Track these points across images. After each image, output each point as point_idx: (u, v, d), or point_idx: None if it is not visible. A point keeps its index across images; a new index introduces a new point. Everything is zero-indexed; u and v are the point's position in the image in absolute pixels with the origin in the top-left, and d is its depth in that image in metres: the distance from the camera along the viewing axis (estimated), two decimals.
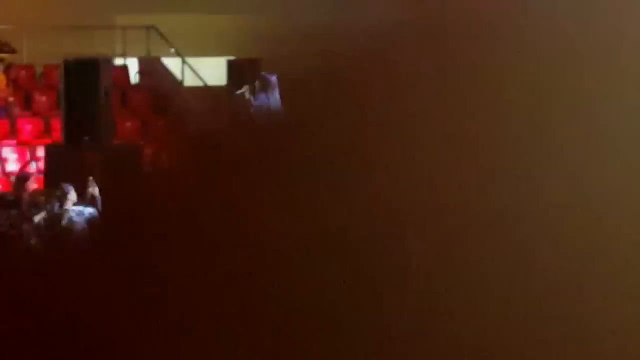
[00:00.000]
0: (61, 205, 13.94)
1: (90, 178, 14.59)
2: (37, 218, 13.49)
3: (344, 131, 5.24)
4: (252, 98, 15.27)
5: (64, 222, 13.96)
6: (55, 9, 21.34)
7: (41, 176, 17.33)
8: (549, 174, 5.11)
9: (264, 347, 4.93)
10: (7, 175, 16.42)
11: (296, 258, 5.01)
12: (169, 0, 22.67)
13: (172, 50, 22.16)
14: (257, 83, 15.31)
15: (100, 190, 14.36)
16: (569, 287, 5.25)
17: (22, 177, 14.54)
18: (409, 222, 5.02)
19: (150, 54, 22.42)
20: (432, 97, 5.30)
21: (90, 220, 14.17)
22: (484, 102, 5.30)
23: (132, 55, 22.62)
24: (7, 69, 20.63)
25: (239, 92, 15.45)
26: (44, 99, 20.83)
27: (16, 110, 20.03)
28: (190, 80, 22.40)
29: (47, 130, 20.02)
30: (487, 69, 5.39)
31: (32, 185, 14.51)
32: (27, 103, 20.79)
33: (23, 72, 21.30)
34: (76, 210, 13.93)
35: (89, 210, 14.00)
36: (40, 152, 18.36)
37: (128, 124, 20.64)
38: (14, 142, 19.62)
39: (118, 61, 22.04)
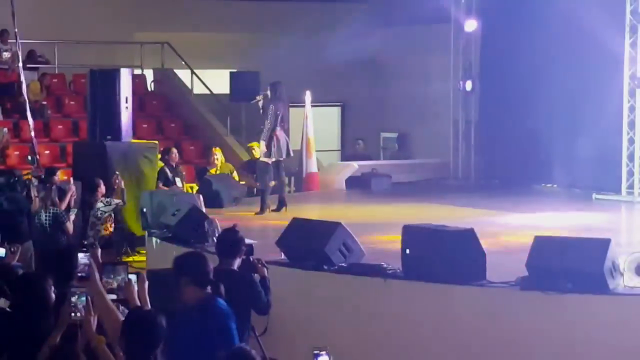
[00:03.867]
0: (93, 196, 14.05)
1: (117, 173, 14.78)
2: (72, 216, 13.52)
3: None
4: (264, 106, 14.98)
5: (94, 212, 14.08)
6: (83, 26, 21.44)
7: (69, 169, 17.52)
8: None
9: None
10: (41, 167, 16.28)
11: None
12: (180, 21, 22.81)
13: (183, 63, 22.43)
14: (268, 92, 15.01)
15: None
16: None
17: (51, 170, 14.23)
18: None
19: (164, 65, 22.70)
20: None
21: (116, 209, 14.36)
22: None
23: (149, 67, 22.90)
24: (42, 77, 20.86)
25: (253, 101, 15.21)
26: (73, 103, 21.04)
27: (49, 113, 20.18)
28: (198, 89, 22.71)
29: (76, 129, 20.19)
30: None
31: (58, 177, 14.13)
32: (58, 106, 20.96)
33: (55, 80, 21.46)
34: (104, 200, 14.09)
35: (116, 201, 14.31)
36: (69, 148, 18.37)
37: (145, 125, 20.93)
38: (47, 139, 19.69)
39: (137, 71, 22.01)
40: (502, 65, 18.83)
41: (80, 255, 6.50)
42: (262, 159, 15.26)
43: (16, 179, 13.43)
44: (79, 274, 6.32)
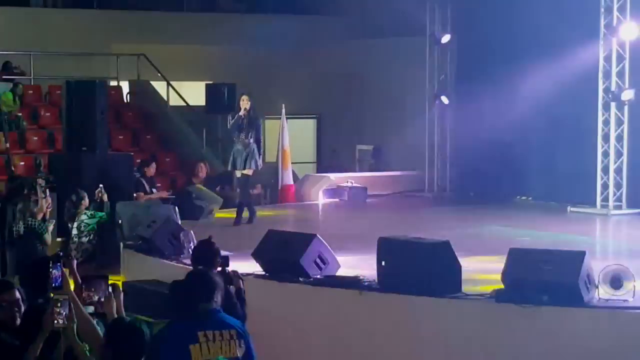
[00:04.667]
0: (76, 208, 13.78)
1: (101, 186, 14.52)
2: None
3: None
4: (251, 117, 14.88)
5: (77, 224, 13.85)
6: (59, 37, 21.43)
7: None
8: None
9: None
10: (17, 176, 16.14)
11: None
12: (156, 33, 22.83)
13: (159, 74, 22.41)
14: (242, 114, 14.87)
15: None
16: None
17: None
18: None
19: (140, 77, 22.66)
20: None
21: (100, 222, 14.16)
22: None
23: (125, 79, 22.86)
24: (15, 87, 20.55)
25: (230, 125, 15.06)
26: (48, 114, 20.94)
27: (24, 124, 20.01)
28: (174, 101, 22.66)
29: (51, 141, 20.10)
30: None
31: None
32: (34, 118, 20.86)
33: (31, 92, 21.35)
34: (88, 213, 13.71)
35: (100, 214, 14.02)
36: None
37: (121, 136, 20.89)
38: (22, 151, 19.60)
39: (113, 83, 22.20)
40: (478, 77, 18.87)
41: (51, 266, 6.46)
42: (245, 171, 15.20)
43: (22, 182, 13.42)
44: (52, 284, 6.29)
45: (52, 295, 6.19)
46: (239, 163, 15.06)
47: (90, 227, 13.80)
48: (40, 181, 13.46)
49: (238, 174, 15.36)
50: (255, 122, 15.08)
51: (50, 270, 6.29)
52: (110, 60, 22.61)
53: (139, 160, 17.72)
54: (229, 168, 15.58)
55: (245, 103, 14.99)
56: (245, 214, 15.25)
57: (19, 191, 13.15)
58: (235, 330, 6.25)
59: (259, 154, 15.24)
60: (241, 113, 14.97)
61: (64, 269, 6.48)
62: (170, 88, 22.38)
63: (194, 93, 22.62)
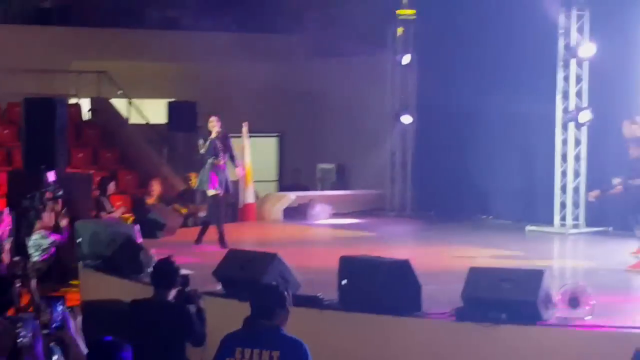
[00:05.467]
0: (32, 227, 13.50)
1: (63, 211, 14.31)
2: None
3: None
4: (223, 137, 14.91)
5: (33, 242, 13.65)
6: (18, 54, 21.29)
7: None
8: None
9: None
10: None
11: None
12: (117, 49, 22.74)
13: (120, 92, 22.32)
14: (215, 136, 14.83)
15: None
16: None
17: None
18: None
19: (100, 94, 22.59)
20: None
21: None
22: None
23: (85, 96, 22.79)
24: None
25: (203, 149, 14.90)
26: (6, 131, 20.85)
27: None
28: (134, 119, 22.58)
29: (10, 159, 19.98)
30: None
31: None
32: None
33: None
34: (43, 232, 13.46)
35: (56, 237, 13.52)
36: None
37: (80, 154, 20.81)
38: None
39: (72, 100, 22.08)
40: (439, 97, 18.99)
41: (59, 306, 6.25)
42: (214, 192, 15.16)
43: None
44: (53, 325, 6.17)
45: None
46: (219, 183, 15.01)
47: (43, 246, 13.71)
48: (47, 194, 13.40)
49: (209, 193, 15.24)
50: (227, 142, 15.10)
51: (49, 309, 6.16)
52: (70, 78, 22.51)
53: (98, 179, 17.64)
54: (199, 187, 15.45)
55: (215, 125, 14.97)
56: (215, 236, 15.08)
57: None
58: (278, 352, 6.16)
59: (236, 166, 15.32)
60: (213, 136, 14.96)
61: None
62: (131, 106, 22.29)
63: (155, 111, 22.56)
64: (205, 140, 14.95)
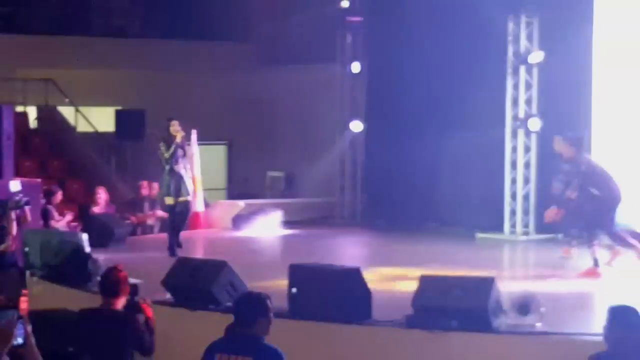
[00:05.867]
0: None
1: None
2: None
3: None
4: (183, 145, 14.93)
5: None
6: None
7: None
8: None
9: None
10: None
11: None
12: (64, 57, 22.57)
13: (67, 100, 22.14)
14: (179, 141, 14.80)
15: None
16: None
17: None
18: None
19: (47, 103, 22.41)
20: None
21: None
22: None
23: (32, 104, 22.60)
24: None
25: (168, 154, 14.77)
26: None
27: None
28: (82, 127, 22.41)
29: None
30: None
31: None
32: None
33: None
34: None
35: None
36: None
37: (27, 163, 20.59)
38: None
39: (19, 108, 21.81)
40: (388, 105, 19.06)
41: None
42: (186, 198, 15.08)
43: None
44: (14, 343, 6.00)
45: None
46: (173, 191, 14.89)
47: None
48: (11, 204, 13.23)
49: (171, 200, 15.08)
50: (185, 148, 15.05)
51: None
52: (16, 86, 22.27)
53: (45, 187, 17.45)
54: (165, 196, 15.25)
55: (179, 129, 14.86)
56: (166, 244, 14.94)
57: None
58: (250, 358, 6.26)
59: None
60: (178, 140, 14.86)
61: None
62: (78, 114, 22.11)
63: (102, 119, 22.41)
64: (169, 145, 14.82)
